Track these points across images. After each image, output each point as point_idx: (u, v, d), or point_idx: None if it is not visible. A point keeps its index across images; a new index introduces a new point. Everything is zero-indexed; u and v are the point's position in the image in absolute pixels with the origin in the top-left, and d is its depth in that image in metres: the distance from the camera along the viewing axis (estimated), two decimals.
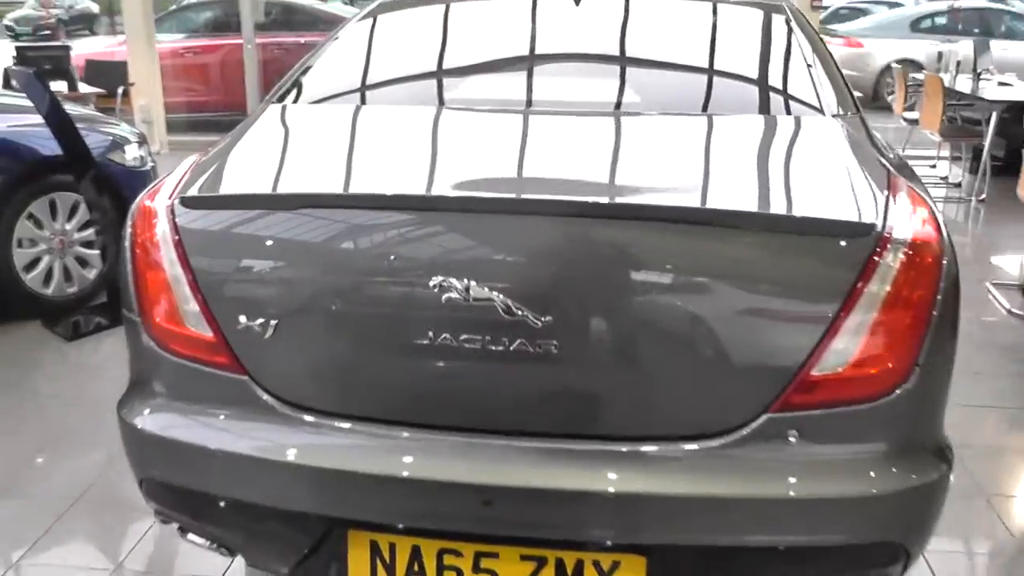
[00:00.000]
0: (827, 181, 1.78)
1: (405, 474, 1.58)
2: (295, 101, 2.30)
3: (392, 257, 1.62)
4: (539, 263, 1.55)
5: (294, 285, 1.67)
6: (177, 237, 1.67)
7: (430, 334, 1.53)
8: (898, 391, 1.55)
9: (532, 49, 2.43)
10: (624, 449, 1.56)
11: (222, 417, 1.68)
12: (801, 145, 2.00)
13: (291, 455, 1.63)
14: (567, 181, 1.76)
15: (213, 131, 9.04)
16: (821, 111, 2.10)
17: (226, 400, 1.68)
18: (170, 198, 1.72)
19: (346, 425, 1.64)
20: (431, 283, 1.51)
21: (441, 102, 2.27)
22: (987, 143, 6.48)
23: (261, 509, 1.68)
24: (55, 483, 2.76)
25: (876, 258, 1.52)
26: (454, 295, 1.50)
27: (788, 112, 2.19)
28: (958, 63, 7.43)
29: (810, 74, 2.22)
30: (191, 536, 1.83)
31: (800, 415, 1.54)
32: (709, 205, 1.67)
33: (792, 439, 1.54)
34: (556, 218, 1.57)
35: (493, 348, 1.51)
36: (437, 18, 2.71)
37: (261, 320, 1.61)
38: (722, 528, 1.58)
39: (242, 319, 1.62)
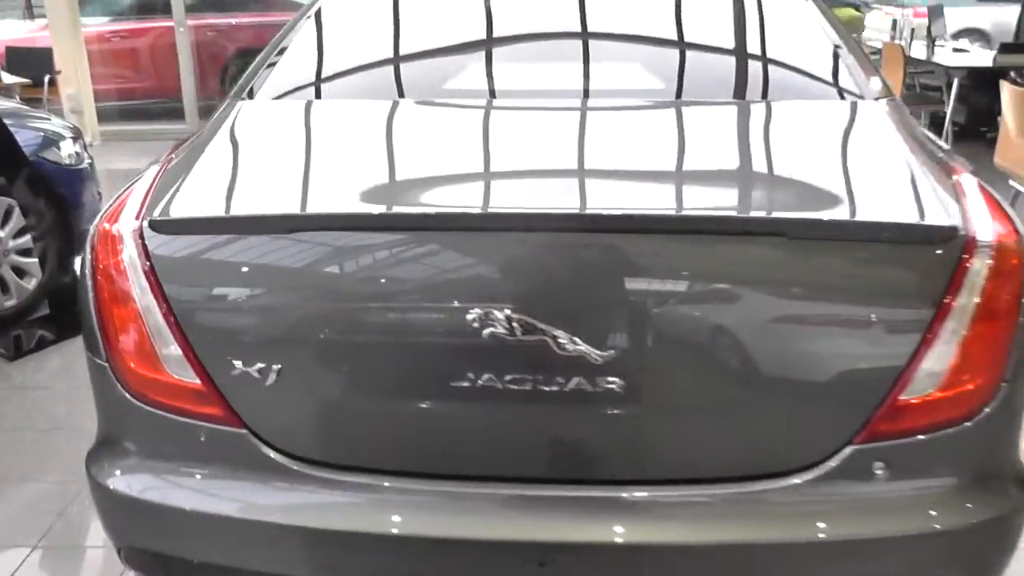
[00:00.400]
0: (893, 176, 1.58)
1: (445, 534, 1.36)
2: (274, 97, 1.98)
3: (416, 285, 1.38)
4: (598, 287, 1.35)
5: (296, 322, 1.42)
6: (149, 265, 1.40)
7: (469, 374, 1.31)
8: (986, 411, 1.39)
9: (545, 32, 2.16)
10: (701, 493, 1.38)
11: (221, 477, 1.45)
12: (855, 136, 1.79)
13: (309, 518, 1.40)
14: (614, 188, 1.52)
15: (147, 119, 8.67)
16: (861, 96, 1.90)
17: (221, 457, 1.43)
18: (137, 219, 1.45)
19: (370, 480, 1.41)
20: (469, 316, 1.29)
21: (443, 94, 1.97)
22: (948, 110, 6.45)
23: None
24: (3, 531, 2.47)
25: (965, 264, 1.35)
26: (497, 329, 1.28)
27: (840, 96, 1.94)
28: (912, 30, 7.40)
29: (839, 55, 2.02)
30: None
31: (887, 445, 1.38)
32: (780, 214, 1.47)
33: (878, 472, 1.37)
34: (614, 235, 1.34)
35: (545, 389, 1.30)
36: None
37: (261, 364, 1.37)
38: (802, 572, 1.41)
39: (237, 364, 1.37)
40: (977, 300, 1.34)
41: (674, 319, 1.37)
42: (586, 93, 1.93)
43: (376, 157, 1.68)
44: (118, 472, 1.50)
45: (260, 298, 1.43)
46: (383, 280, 1.39)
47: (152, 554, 1.53)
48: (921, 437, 1.38)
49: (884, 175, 1.59)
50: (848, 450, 1.37)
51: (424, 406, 1.40)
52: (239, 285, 1.43)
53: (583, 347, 1.29)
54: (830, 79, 2.00)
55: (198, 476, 1.45)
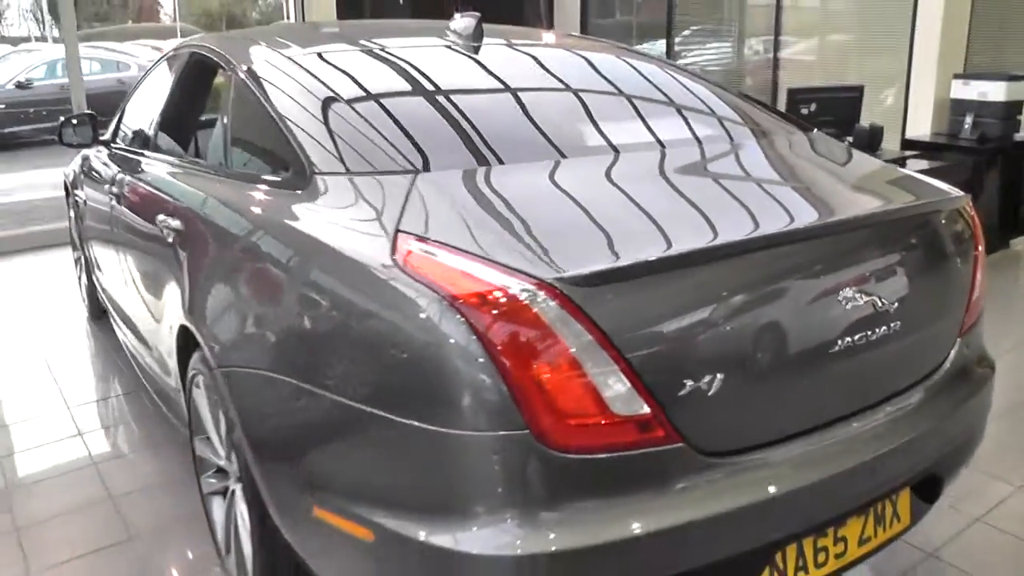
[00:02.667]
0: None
1: (833, 472, 1.68)
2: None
3: (794, 287, 1.71)
4: (880, 268, 1.84)
5: (728, 332, 1.58)
6: (584, 316, 1.44)
7: (838, 342, 1.72)
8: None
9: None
10: (910, 399, 1.89)
11: (664, 492, 1.53)
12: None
13: (747, 496, 1.58)
14: (803, 203, 2.03)
15: None
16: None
17: (652, 476, 1.52)
18: (527, 279, 1.46)
19: (780, 449, 1.67)
20: (839, 297, 1.72)
21: (588, 151, 2.15)
22: None
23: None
24: None
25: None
26: (854, 303, 1.74)
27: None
28: None
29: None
30: None
31: (967, 333, 2.07)
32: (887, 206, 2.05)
33: (964, 350, 2.05)
34: (865, 230, 1.86)
35: (870, 337, 1.77)
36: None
37: (706, 377, 1.53)
38: (949, 440, 1.97)
39: (687, 383, 1.52)
40: (981, 248, 2.10)
41: (902, 281, 1.86)
42: (661, 143, 2.19)
43: (653, 202, 1.88)
44: (550, 535, 1.45)
45: (689, 318, 1.55)
46: (776, 286, 1.68)
47: None
48: (975, 325, 2.10)
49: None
50: (957, 342, 2.02)
51: (812, 376, 1.72)
52: (669, 313, 1.54)
53: (888, 306, 1.79)
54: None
55: (643, 498, 1.50)
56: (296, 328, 1.76)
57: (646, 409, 1.47)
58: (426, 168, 1.85)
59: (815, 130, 2.49)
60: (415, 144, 1.95)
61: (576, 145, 2.12)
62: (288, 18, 6.99)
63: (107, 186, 3.38)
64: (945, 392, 1.94)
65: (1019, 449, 3.04)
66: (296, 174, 1.97)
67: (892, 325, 1.78)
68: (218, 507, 2.41)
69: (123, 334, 3.64)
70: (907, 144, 5.78)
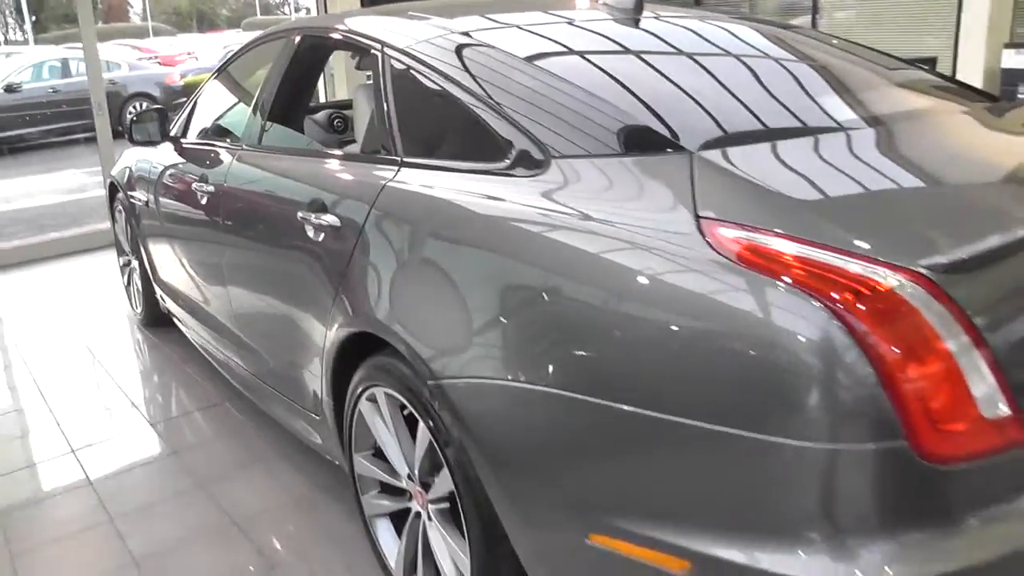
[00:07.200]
0: None
1: None
2: None
3: None
4: None
5: None
6: (958, 310, 1.27)
7: None
8: None
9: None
10: None
11: None
12: None
13: None
14: None
15: None
16: None
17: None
18: (888, 268, 1.28)
19: None
20: None
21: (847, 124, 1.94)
22: None
23: None
24: None
25: None
26: None
27: None
28: None
29: None
30: None
31: None
32: None
33: None
34: None
35: None
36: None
37: None
38: None
39: None
40: None
41: None
42: (909, 115, 2.01)
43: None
44: (936, 557, 1.27)
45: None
46: None
47: None
48: None
49: None
50: None
51: None
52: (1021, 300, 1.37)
53: None
54: None
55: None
56: (565, 334, 1.51)
57: (1008, 409, 1.29)
58: (694, 146, 1.61)
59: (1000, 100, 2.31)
60: (664, 121, 1.72)
61: (834, 118, 1.91)
62: (287, 12, 6.68)
63: (193, 184, 3.13)
64: None
65: None
66: (522, 159, 1.74)
67: None
68: (385, 529, 2.19)
69: (207, 342, 3.39)
70: None
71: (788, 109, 1.92)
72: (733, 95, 1.91)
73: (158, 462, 3.04)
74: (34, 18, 23.49)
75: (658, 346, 1.38)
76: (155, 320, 4.28)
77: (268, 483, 2.85)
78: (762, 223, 1.37)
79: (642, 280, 1.41)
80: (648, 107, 1.78)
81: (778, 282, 1.27)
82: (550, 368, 1.53)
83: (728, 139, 1.69)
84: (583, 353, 1.48)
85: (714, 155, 1.57)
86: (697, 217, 1.42)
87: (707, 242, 1.37)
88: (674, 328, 1.36)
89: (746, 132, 1.74)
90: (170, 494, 2.82)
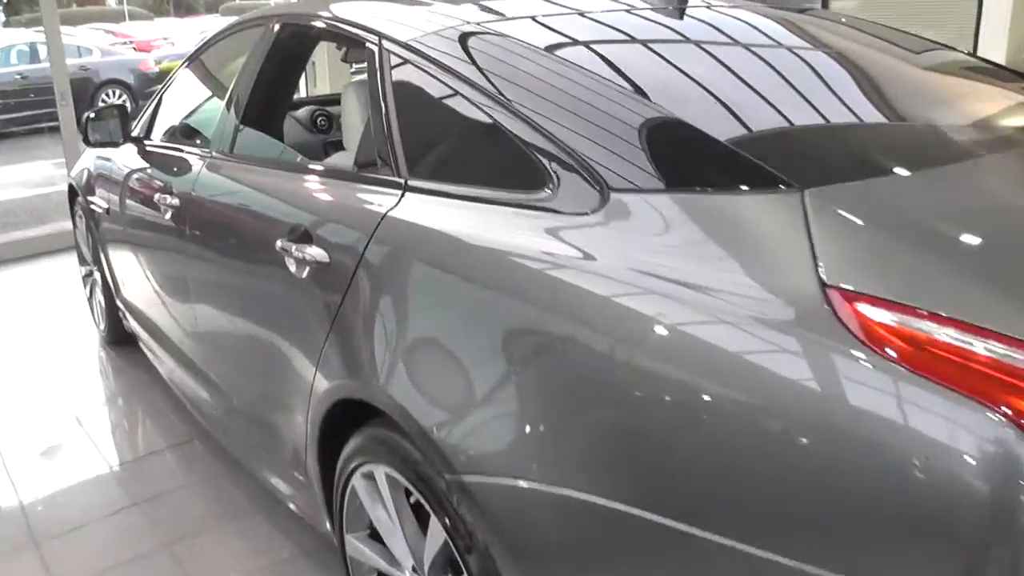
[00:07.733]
0: None
1: None
2: None
3: None
4: None
5: None
6: None
7: None
8: None
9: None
10: None
11: None
12: None
13: None
14: None
15: None
16: None
17: None
18: None
19: None
20: None
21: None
22: None
23: None
24: None
25: None
26: None
27: None
28: None
29: None
30: None
31: None
32: None
33: None
34: None
35: None
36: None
37: None
38: None
39: None
40: None
41: None
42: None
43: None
44: None
45: None
46: None
47: None
48: None
49: None
50: None
51: None
52: None
53: None
54: None
55: None
56: (644, 442, 1.14)
57: None
58: (802, 182, 1.20)
59: None
60: (757, 146, 1.34)
61: (953, 141, 1.54)
62: None
63: (156, 196, 2.72)
64: None
65: None
66: (570, 190, 1.35)
67: None
68: None
69: (172, 372, 2.99)
70: None
71: (894, 133, 1.54)
72: (821, 113, 1.54)
73: (117, 516, 2.64)
74: (5, 0, 22.78)
75: (772, 468, 1.00)
76: (119, 338, 3.86)
77: (242, 544, 2.46)
78: (924, 302, 0.99)
79: (750, 377, 1.03)
80: (744, 124, 1.39)
81: (986, 407, 0.89)
82: (619, 481, 1.15)
83: (837, 171, 1.30)
84: (669, 469, 1.11)
85: (830, 194, 1.19)
86: (824, 286, 1.04)
87: (845, 326, 0.99)
88: (799, 444, 0.98)
89: (856, 160, 1.36)
90: (128, 557, 2.43)
